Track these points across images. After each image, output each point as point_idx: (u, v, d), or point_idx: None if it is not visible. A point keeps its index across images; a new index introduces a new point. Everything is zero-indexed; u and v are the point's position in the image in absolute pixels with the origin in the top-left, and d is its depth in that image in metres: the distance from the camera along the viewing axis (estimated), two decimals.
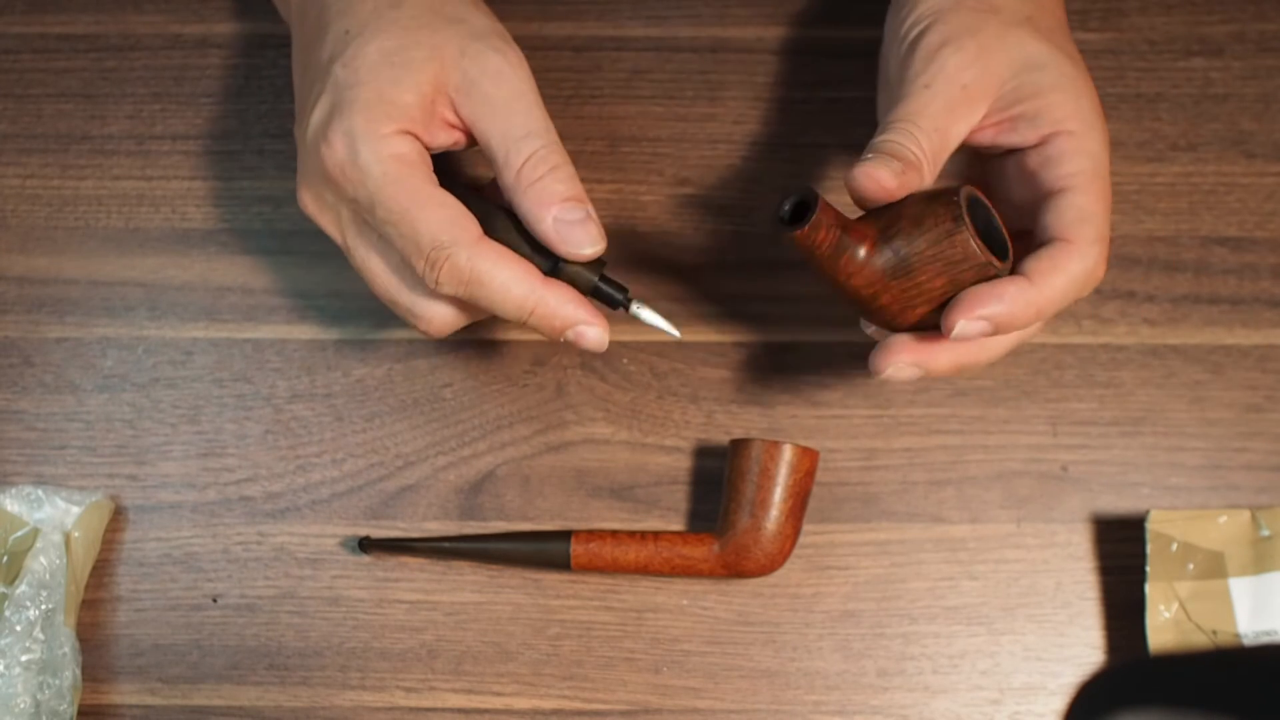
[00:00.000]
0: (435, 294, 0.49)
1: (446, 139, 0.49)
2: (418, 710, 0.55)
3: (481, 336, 0.58)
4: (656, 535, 0.55)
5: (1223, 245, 0.58)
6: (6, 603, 0.53)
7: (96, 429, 0.57)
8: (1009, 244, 0.48)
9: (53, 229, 0.59)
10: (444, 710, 0.55)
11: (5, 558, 0.54)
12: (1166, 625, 0.53)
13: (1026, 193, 0.50)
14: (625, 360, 0.58)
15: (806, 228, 0.45)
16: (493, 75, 0.48)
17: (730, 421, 0.57)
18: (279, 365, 0.58)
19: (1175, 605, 0.53)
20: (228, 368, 0.58)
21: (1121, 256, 0.58)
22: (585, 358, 0.58)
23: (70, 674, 0.53)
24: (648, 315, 0.51)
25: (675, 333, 0.51)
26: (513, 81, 0.49)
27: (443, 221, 0.47)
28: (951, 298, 0.47)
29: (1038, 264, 0.48)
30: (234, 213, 0.59)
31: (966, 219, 0.46)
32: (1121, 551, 0.56)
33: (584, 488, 0.57)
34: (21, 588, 0.53)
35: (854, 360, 0.57)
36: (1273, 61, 0.60)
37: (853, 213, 0.48)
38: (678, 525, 0.57)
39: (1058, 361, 0.57)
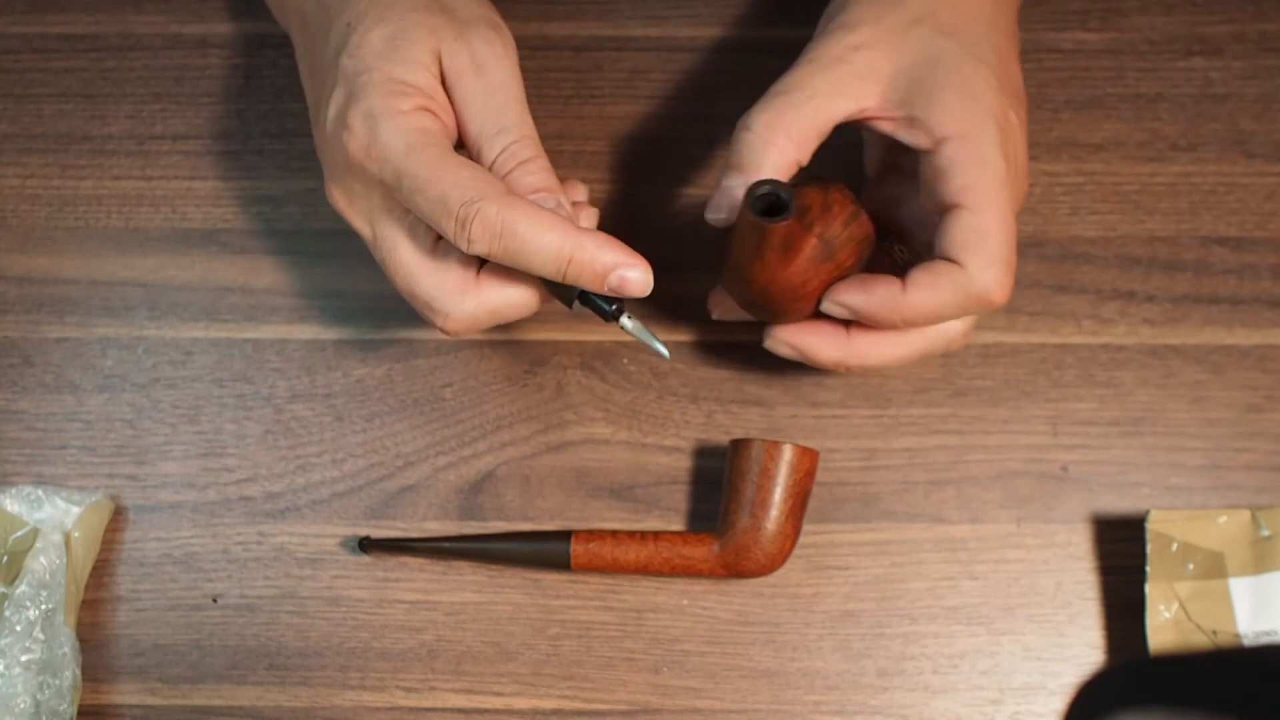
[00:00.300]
0: (470, 252, 0.47)
1: (452, 121, 0.49)
2: (418, 710, 0.55)
3: (482, 337, 0.58)
4: (656, 535, 0.55)
5: (1223, 245, 0.58)
6: (6, 603, 0.53)
7: (96, 429, 0.57)
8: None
9: (53, 229, 0.59)
10: (444, 710, 0.55)
11: (5, 558, 0.54)
12: (1166, 625, 0.53)
13: (930, 203, 0.49)
14: (625, 360, 0.58)
15: (789, 220, 0.45)
16: (477, 66, 0.48)
17: (730, 421, 0.57)
18: (279, 365, 0.58)
19: (1175, 605, 0.53)
20: (228, 368, 0.58)
21: (1121, 256, 0.58)
22: (585, 358, 0.58)
23: (70, 674, 0.53)
24: (637, 330, 0.49)
25: (665, 352, 0.50)
26: (495, 73, 0.49)
27: (470, 180, 0.46)
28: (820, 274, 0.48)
29: (920, 275, 0.48)
30: (234, 213, 0.59)
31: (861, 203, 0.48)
32: (1121, 551, 0.56)
33: (584, 488, 0.57)
34: (21, 588, 0.53)
35: None
36: (1273, 61, 0.60)
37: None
38: (678, 525, 0.57)
39: (1058, 361, 0.57)
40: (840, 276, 0.49)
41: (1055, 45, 0.60)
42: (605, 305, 0.49)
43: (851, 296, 0.49)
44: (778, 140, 0.48)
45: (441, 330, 0.50)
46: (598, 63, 0.61)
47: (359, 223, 0.50)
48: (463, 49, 0.48)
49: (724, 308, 0.54)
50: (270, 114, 0.60)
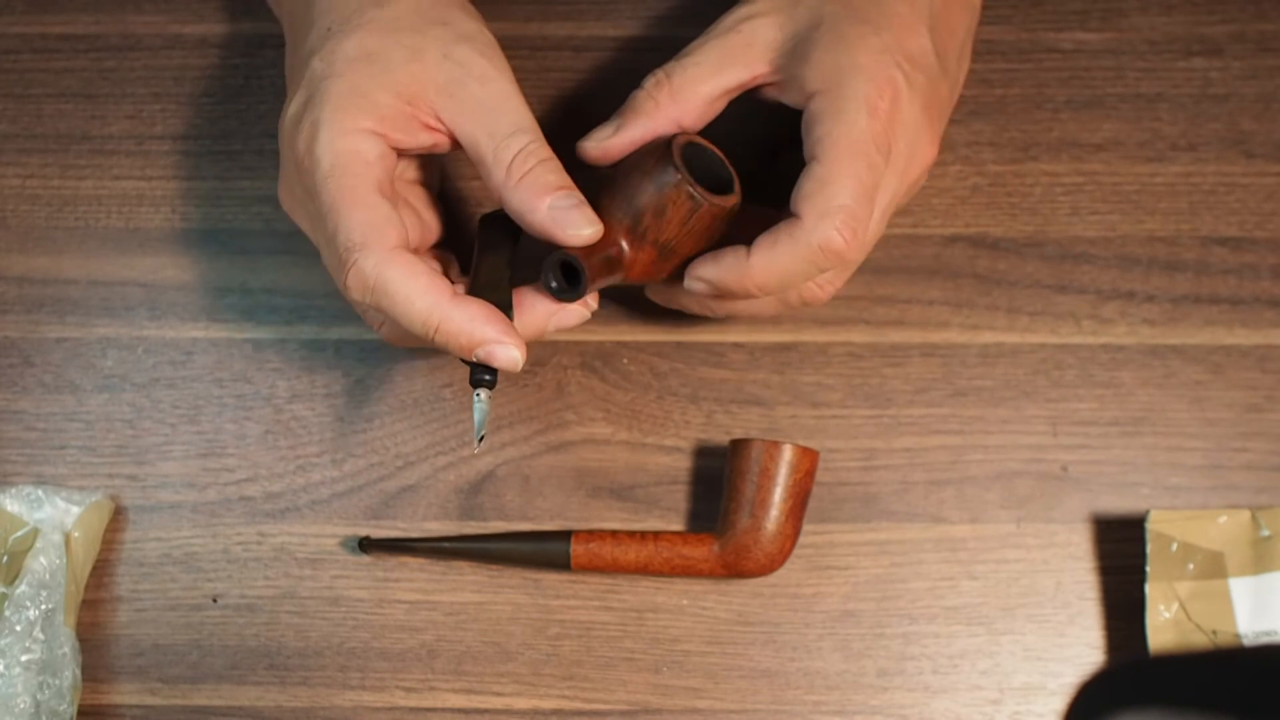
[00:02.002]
0: (349, 298, 0.48)
1: (426, 140, 0.49)
2: (418, 710, 0.55)
3: None
4: (656, 535, 0.55)
5: (1223, 245, 0.58)
6: (6, 603, 0.53)
7: (96, 429, 0.57)
8: (735, 181, 0.50)
9: (53, 229, 0.59)
10: (444, 710, 0.55)
11: (5, 558, 0.54)
12: (1166, 625, 0.53)
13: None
14: (625, 360, 0.58)
15: (580, 290, 0.48)
16: (478, 77, 0.49)
17: (730, 421, 0.57)
18: (279, 365, 0.58)
19: (1175, 605, 0.53)
20: (228, 368, 0.58)
21: (1121, 256, 0.58)
22: (585, 358, 0.58)
23: (70, 674, 0.53)
24: (478, 412, 0.48)
25: (475, 445, 0.48)
26: (499, 82, 0.49)
27: (361, 223, 0.46)
28: (688, 234, 0.49)
29: (761, 238, 0.48)
30: (234, 213, 0.59)
31: (676, 158, 0.48)
32: (1121, 551, 0.56)
33: (584, 488, 0.57)
34: (21, 588, 0.53)
35: (854, 360, 0.57)
36: (1273, 61, 0.60)
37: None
38: (678, 525, 0.57)
39: (1058, 361, 0.57)
40: (689, 243, 0.50)
41: (1055, 45, 0.60)
42: (474, 371, 0.48)
43: (705, 269, 0.50)
44: (659, 96, 0.50)
45: (378, 332, 0.51)
46: (598, 63, 0.61)
47: (304, 226, 0.51)
48: (459, 63, 0.49)
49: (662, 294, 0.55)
50: (270, 114, 0.60)
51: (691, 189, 0.48)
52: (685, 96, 0.50)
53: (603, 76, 0.61)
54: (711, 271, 0.49)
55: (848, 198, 0.47)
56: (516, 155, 0.48)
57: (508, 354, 0.47)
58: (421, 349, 0.57)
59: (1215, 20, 0.60)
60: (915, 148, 0.49)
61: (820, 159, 0.47)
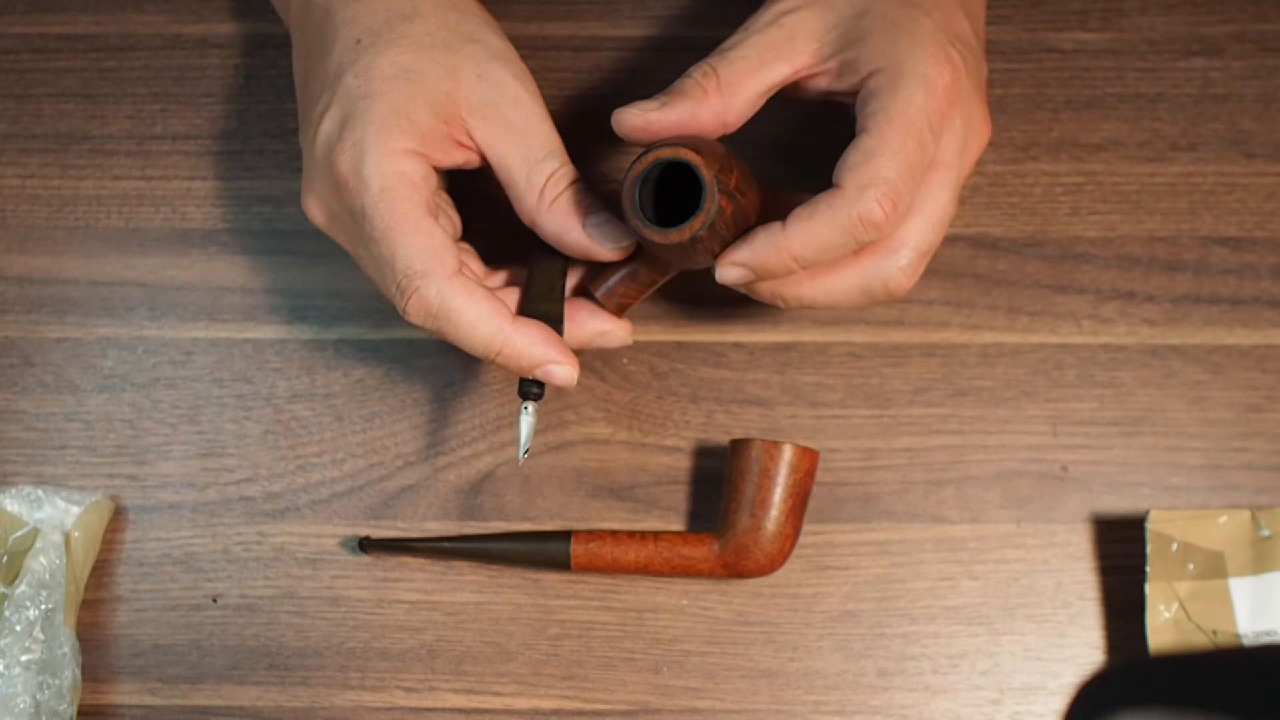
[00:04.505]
0: (408, 321, 0.49)
1: (460, 157, 0.50)
2: (418, 710, 0.55)
3: None
4: (656, 535, 0.55)
5: (1223, 245, 0.58)
6: (6, 603, 0.53)
7: (96, 429, 0.57)
8: (704, 194, 0.46)
9: (53, 229, 0.59)
10: (444, 710, 0.55)
11: (5, 558, 0.54)
12: (1166, 625, 0.53)
13: None
14: (625, 360, 0.58)
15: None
16: (511, 100, 0.49)
17: (730, 421, 0.57)
18: (279, 365, 0.58)
19: (1175, 605, 0.53)
20: (228, 368, 0.58)
21: (1121, 256, 0.58)
22: (585, 357, 0.58)
23: (70, 674, 0.53)
24: (524, 424, 0.51)
25: (520, 456, 0.51)
26: (530, 105, 0.49)
27: (421, 250, 0.47)
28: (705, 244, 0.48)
29: (799, 210, 0.47)
30: (234, 213, 0.59)
31: (627, 197, 0.46)
32: (1121, 551, 0.56)
33: (584, 488, 0.57)
34: (21, 588, 0.53)
35: (854, 360, 0.57)
36: (1273, 61, 0.60)
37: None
38: (678, 525, 0.57)
39: (1058, 361, 0.57)
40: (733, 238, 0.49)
41: (1055, 45, 0.60)
42: (526, 384, 0.51)
43: (737, 253, 0.48)
44: (708, 85, 0.49)
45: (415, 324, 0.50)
46: (598, 63, 0.61)
47: (340, 238, 0.51)
48: (493, 84, 0.49)
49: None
50: (270, 114, 0.60)
51: (640, 225, 0.46)
52: (733, 91, 0.49)
53: (603, 76, 0.61)
54: (745, 253, 0.48)
55: (892, 171, 0.46)
56: (549, 179, 0.49)
57: (565, 373, 0.49)
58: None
59: (1215, 20, 0.60)
60: (973, 126, 0.49)
61: (870, 131, 0.47)
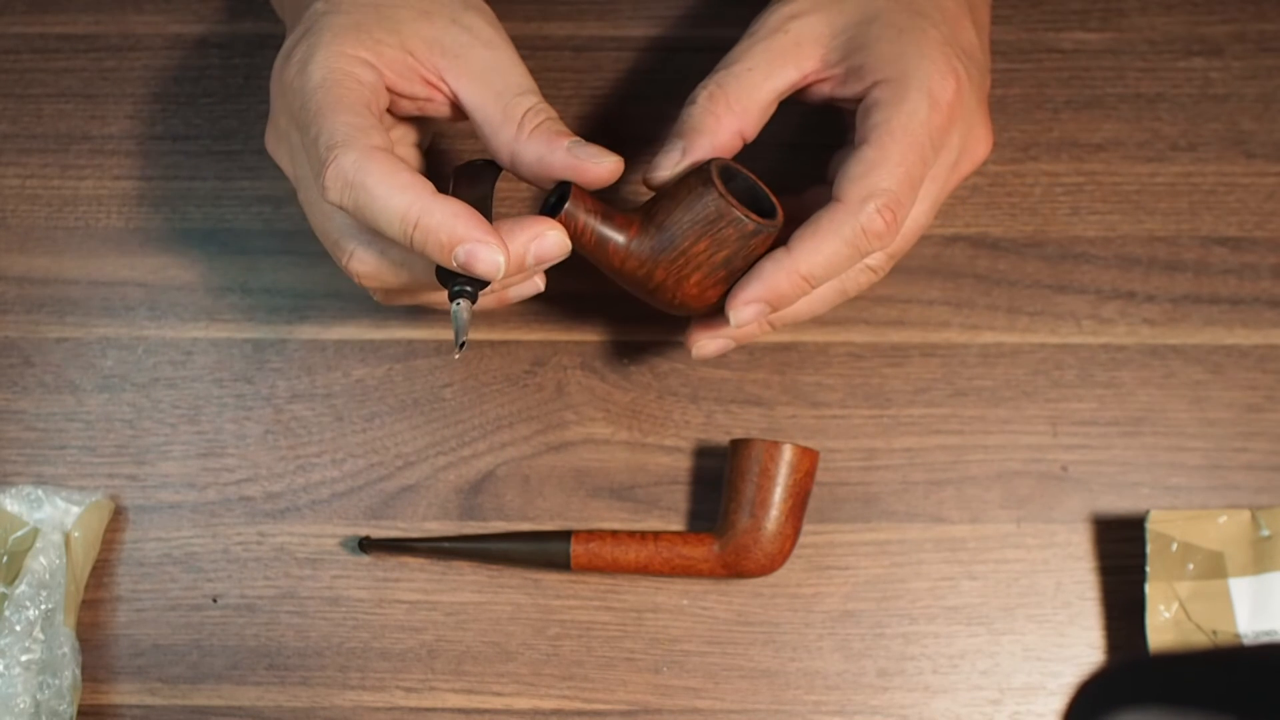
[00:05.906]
0: (326, 201, 0.45)
1: (422, 91, 0.48)
2: (418, 710, 0.55)
3: (482, 336, 0.58)
4: (656, 535, 0.55)
5: (1223, 245, 0.58)
6: (6, 603, 0.53)
7: (96, 429, 0.57)
8: (777, 206, 0.48)
9: (53, 229, 0.59)
10: (444, 710, 0.55)
11: (5, 558, 0.54)
12: (1166, 625, 0.53)
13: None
14: (625, 360, 0.58)
15: (561, 216, 0.46)
16: (485, 42, 0.48)
17: (730, 421, 0.57)
18: (279, 365, 0.58)
19: (1175, 605, 0.53)
20: (228, 368, 0.58)
21: (1121, 256, 0.58)
22: (585, 358, 0.58)
23: (70, 674, 0.53)
24: (456, 317, 0.44)
25: (455, 353, 0.45)
26: (504, 50, 0.49)
27: (345, 125, 0.44)
28: (729, 265, 0.48)
29: (801, 230, 0.47)
30: (234, 213, 0.59)
31: (715, 179, 0.47)
32: (1121, 551, 0.56)
33: (584, 488, 0.57)
34: (21, 588, 0.53)
35: (854, 360, 0.57)
36: (1273, 61, 0.60)
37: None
38: (678, 525, 0.57)
39: (1058, 361, 0.57)
40: (700, 264, 0.48)
41: (1055, 45, 0.60)
42: (452, 281, 0.44)
43: (750, 290, 0.48)
44: (717, 109, 0.48)
45: (348, 272, 0.48)
46: (598, 63, 0.61)
47: (283, 161, 0.49)
48: (467, 28, 0.48)
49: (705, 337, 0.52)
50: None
51: (741, 213, 0.47)
52: (744, 105, 0.49)
53: (603, 76, 0.61)
54: (756, 286, 0.48)
55: (893, 183, 0.46)
56: (528, 111, 0.47)
57: (491, 255, 0.43)
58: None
59: (1215, 20, 0.60)
60: (970, 141, 0.49)
61: (871, 143, 0.47)
